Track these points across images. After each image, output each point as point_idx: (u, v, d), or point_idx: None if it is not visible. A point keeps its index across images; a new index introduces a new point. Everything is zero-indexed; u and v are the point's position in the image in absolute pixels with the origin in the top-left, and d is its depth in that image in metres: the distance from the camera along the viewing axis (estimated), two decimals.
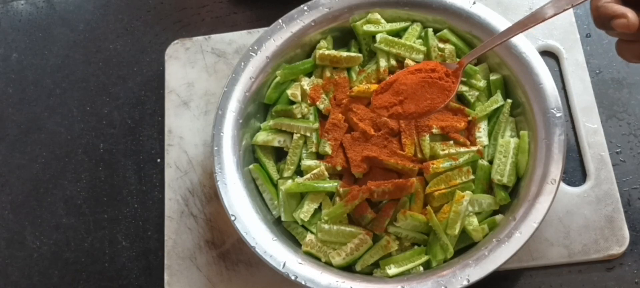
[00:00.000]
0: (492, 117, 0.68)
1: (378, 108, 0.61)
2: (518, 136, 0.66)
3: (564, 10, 0.54)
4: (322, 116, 0.70)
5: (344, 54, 0.70)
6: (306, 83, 0.70)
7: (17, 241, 0.76)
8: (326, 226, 0.63)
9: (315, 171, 0.66)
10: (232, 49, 0.80)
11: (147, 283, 0.72)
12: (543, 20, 0.55)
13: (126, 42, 0.86)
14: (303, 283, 0.59)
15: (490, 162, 0.65)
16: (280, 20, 0.71)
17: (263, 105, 0.72)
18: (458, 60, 0.69)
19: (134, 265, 0.73)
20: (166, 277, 0.70)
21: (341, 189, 0.64)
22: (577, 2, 0.53)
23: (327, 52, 0.70)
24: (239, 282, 0.69)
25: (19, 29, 0.90)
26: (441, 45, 0.69)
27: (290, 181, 0.67)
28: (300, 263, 0.61)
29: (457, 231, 0.61)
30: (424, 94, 0.60)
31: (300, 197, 0.66)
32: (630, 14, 0.47)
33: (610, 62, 0.75)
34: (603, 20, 0.50)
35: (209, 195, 0.73)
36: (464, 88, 0.69)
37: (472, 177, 0.64)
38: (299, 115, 0.69)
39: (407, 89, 0.60)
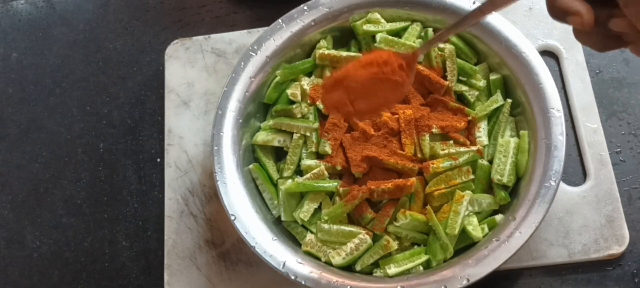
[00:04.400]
0: (492, 116, 0.68)
1: (329, 108, 0.59)
2: (518, 136, 0.66)
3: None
4: (322, 116, 0.70)
5: (344, 53, 0.70)
6: (306, 83, 0.70)
7: (17, 241, 0.76)
8: (326, 226, 0.63)
9: (315, 171, 0.66)
10: (232, 49, 0.80)
11: (147, 283, 0.72)
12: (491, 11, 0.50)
13: (126, 41, 0.86)
14: (303, 283, 0.59)
15: (490, 161, 0.65)
16: (280, 20, 0.71)
17: (263, 105, 0.72)
18: (458, 60, 0.69)
19: (134, 265, 0.73)
20: (166, 277, 0.70)
21: (341, 189, 0.64)
22: None
23: (327, 51, 0.70)
24: (239, 281, 0.69)
25: (19, 28, 0.90)
26: (441, 45, 0.69)
27: (290, 181, 0.67)
28: (300, 263, 0.61)
29: (457, 231, 0.61)
30: (376, 92, 0.56)
31: (300, 196, 0.66)
32: (584, 11, 0.47)
33: (610, 61, 0.75)
34: (557, 14, 0.49)
35: (209, 195, 0.73)
36: (463, 88, 0.69)
37: (472, 176, 0.64)
38: (299, 115, 0.69)
39: (358, 87, 0.56)
